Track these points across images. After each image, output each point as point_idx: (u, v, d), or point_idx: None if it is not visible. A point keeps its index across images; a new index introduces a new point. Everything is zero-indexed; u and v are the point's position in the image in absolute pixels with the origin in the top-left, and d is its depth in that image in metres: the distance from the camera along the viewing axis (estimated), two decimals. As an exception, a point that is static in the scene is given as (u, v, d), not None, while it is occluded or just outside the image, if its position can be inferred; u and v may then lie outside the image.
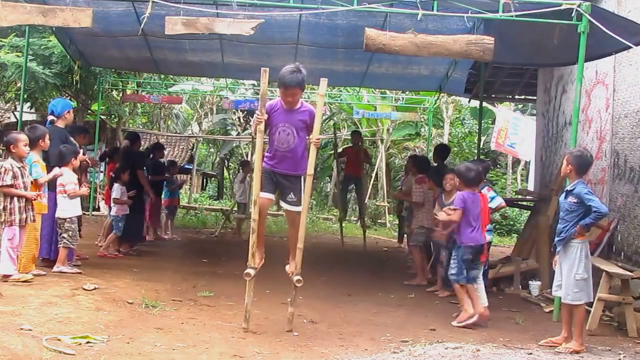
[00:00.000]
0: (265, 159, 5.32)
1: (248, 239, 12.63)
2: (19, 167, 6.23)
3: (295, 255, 5.29)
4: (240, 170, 13.92)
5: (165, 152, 22.23)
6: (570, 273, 5.26)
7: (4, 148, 7.05)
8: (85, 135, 8.51)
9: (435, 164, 9.22)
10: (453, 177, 7.00)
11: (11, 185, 6.13)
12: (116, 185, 8.89)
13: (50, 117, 7.46)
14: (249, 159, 24.89)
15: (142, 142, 12.26)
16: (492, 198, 7.26)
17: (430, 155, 11.83)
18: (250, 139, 23.61)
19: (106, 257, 8.50)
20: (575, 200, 5.25)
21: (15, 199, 6.16)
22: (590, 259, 5.44)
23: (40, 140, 6.64)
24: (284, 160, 5.28)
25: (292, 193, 5.31)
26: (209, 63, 11.95)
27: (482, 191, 6.82)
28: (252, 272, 5.18)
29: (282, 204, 5.47)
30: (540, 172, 10.73)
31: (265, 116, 5.13)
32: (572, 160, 5.36)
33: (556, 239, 5.40)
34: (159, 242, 10.96)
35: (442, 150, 9.63)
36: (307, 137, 5.29)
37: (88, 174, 10.33)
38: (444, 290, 7.46)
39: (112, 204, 8.92)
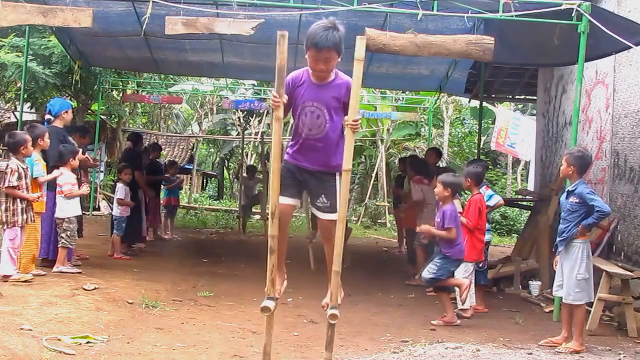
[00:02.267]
0: (287, 149, 4.11)
1: (247, 236, 12.35)
2: (23, 168, 6.25)
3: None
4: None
5: (165, 152, 22.39)
6: (572, 273, 5.26)
7: (5, 148, 7.05)
8: (84, 135, 8.49)
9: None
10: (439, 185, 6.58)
11: (15, 186, 6.14)
12: (119, 186, 8.88)
13: (47, 117, 7.45)
14: (248, 159, 24.94)
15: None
16: (490, 196, 7.28)
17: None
18: (251, 139, 23.76)
19: (122, 258, 8.53)
20: (577, 200, 5.26)
21: (18, 200, 6.17)
22: (591, 259, 5.44)
23: (40, 139, 6.64)
24: (313, 152, 3.99)
25: (323, 196, 4.02)
26: (209, 63, 11.95)
27: (481, 190, 6.83)
28: (271, 305, 3.78)
29: (313, 210, 4.19)
30: (540, 172, 10.73)
31: (285, 98, 3.83)
32: (573, 161, 5.35)
33: (558, 239, 5.40)
34: (158, 242, 10.96)
35: (435, 154, 9.71)
36: (344, 120, 3.92)
37: (89, 174, 10.33)
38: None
39: (114, 204, 8.91)
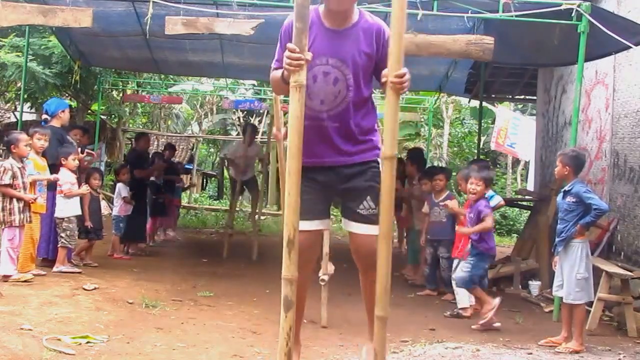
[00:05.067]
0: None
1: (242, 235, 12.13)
2: (19, 167, 6.23)
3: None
4: None
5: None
6: (572, 273, 5.27)
7: (4, 148, 7.00)
8: (83, 134, 8.44)
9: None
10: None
11: (9, 185, 6.13)
12: (121, 185, 8.87)
13: (44, 116, 7.42)
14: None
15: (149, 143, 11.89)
16: (491, 197, 7.26)
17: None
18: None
19: (122, 258, 8.55)
20: (574, 200, 5.26)
21: (15, 199, 6.16)
22: (590, 258, 5.45)
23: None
24: (324, 141, 2.79)
25: (369, 198, 2.76)
26: (209, 63, 11.95)
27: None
28: None
29: (347, 223, 2.90)
30: (540, 172, 10.74)
31: (309, 55, 2.58)
32: (568, 161, 5.36)
33: (557, 239, 5.40)
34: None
35: (418, 156, 9.68)
36: (382, 76, 2.73)
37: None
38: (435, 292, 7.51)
39: (115, 204, 8.92)
